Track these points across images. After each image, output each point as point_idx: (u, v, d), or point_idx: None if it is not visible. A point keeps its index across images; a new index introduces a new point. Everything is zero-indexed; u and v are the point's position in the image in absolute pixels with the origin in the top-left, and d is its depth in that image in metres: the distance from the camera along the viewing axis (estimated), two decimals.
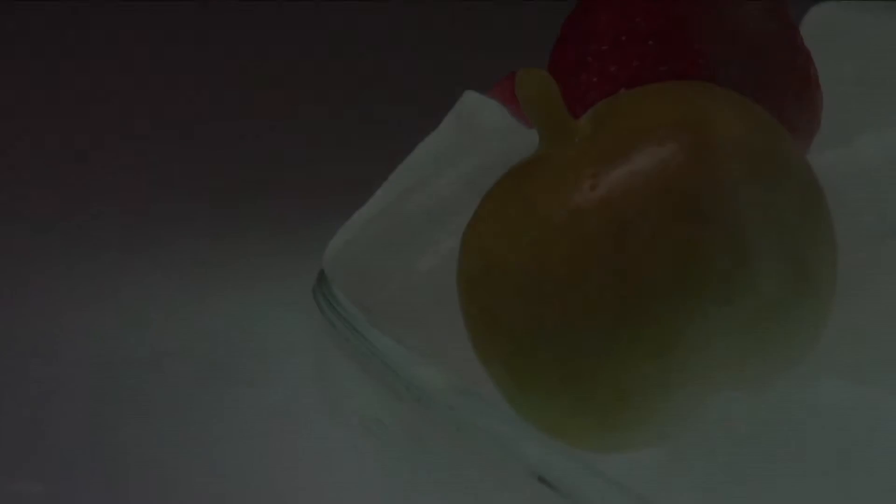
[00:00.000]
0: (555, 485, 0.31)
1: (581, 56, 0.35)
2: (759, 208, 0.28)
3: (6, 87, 0.61)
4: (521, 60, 0.33)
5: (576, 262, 0.28)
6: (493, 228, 0.29)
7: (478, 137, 0.38)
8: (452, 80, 0.41)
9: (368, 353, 0.37)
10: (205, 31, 0.67)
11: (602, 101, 0.31)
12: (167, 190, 0.51)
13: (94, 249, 0.46)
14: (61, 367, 0.39)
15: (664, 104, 0.29)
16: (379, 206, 0.38)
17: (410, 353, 0.36)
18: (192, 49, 0.65)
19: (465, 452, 0.34)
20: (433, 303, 0.34)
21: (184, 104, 0.59)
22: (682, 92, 0.30)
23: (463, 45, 0.65)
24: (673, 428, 0.29)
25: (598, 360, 0.28)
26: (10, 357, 0.40)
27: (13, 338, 0.41)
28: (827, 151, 0.34)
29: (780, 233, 0.28)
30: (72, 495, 0.33)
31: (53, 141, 0.55)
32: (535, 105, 0.30)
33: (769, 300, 0.28)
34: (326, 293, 0.40)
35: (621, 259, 0.27)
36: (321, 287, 0.40)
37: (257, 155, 0.54)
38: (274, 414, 0.37)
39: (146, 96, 0.60)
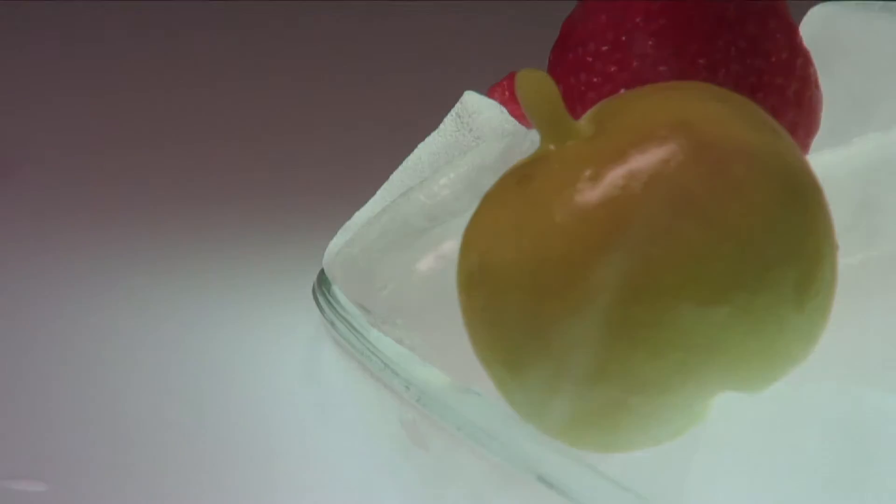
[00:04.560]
0: (555, 485, 0.31)
1: (581, 56, 0.35)
2: (758, 209, 0.28)
3: (5, 85, 0.61)
4: (521, 60, 0.33)
5: (576, 262, 0.28)
6: (493, 228, 0.29)
7: (478, 137, 0.38)
8: (452, 80, 0.41)
9: (368, 353, 0.37)
10: (205, 31, 0.67)
11: (602, 101, 0.31)
12: (167, 189, 0.51)
13: (93, 249, 0.46)
14: (61, 366, 0.39)
15: (664, 104, 0.29)
16: (379, 206, 0.38)
17: (410, 353, 0.36)
18: (192, 48, 0.65)
19: (465, 452, 0.34)
20: (433, 303, 0.34)
21: (183, 103, 0.59)
22: (682, 92, 0.30)
23: (463, 45, 0.65)
24: (673, 428, 0.29)
25: (599, 361, 0.28)
26: (9, 357, 0.40)
27: (13, 337, 0.41)
28: (827, 151, 0.34)
29: (780, 233, 0.28)
30: (72, 495, 0.33)
31: (52, 140, 0.55)
32: (535, 105, 0.30)
33: (769, 301, 0.28)
34: (326, 293, 0.40)
35: (621, 259, 0.27)
36: (321, 287, 0.40)
37: (257, 155, 0.54)
38: (273, 414, 0.37)
39: (145, 95, 0.60)
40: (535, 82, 0.30)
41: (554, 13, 0.38)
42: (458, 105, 0.39)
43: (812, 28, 0.41)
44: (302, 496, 0.33)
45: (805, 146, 0.36)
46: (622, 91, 0.34)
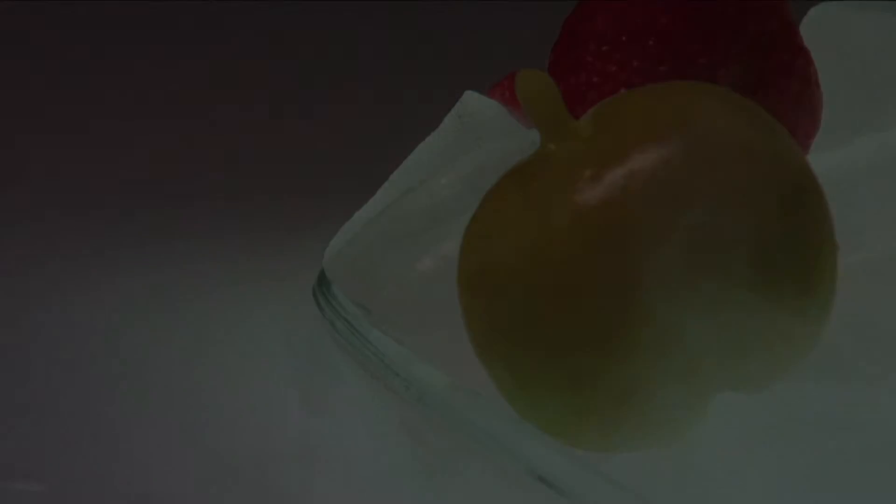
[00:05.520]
0: (555, 484, 0.31)
1: (581, 56, 0.35)
2: (758, 209, 0.28)
3: (5, 86, 0.61)
4: (521, 60, 0.33)
5: (576, 262, 0.28)
6: (493, 229, 0.29)
7: (478, 137, 0.38)
8: (452, 80, 0.41)
9: (368, 353, 0.37)
10: (205, 31, 0.67)
11: (602, 101, 0.31)
12: (166, 189, 0.51)
13: (93, 248, 0.46)
14: (60, 366, 0.39)
15: (664, 104, 0.29)
16: (379, 206, 0.38)
17: (410, 353, 0.36)
18: (191, 48, 0.65)
19: (465, 452, 0.34)
20: (433, 303, 0.34)
21: (183, 103, 0.59)
22: (682, 92, 0.30)
23: (463, 45, 0.65)
24: (673, 428, 0.29)
25: (599, 361, 0.28)
26: (9, 356, 0.40)
27: (12, 337, 0.41)
28: (827, 151, 0.34)
29: (781, 233, 0.28)
30: (72, 495, 0.33)
31: (53, 139, 0.55)
32: (535, 105, 0.30)
33: (769, 301, 0.28)
34: (326, 293, 0.40)
35: (621, 259, 0.27)
36: (321, 287, 0.40)
37: (257, 154, 0.54)
38: (272, 414, 0.37)
39: (145, 95, 0.60)
40: (535, 82, 0.30)
41: (554, 13, 0.38)
42: (458, 105, 0.39)
43: (812, 28, 0.41)
44: (302, 496, 0.33)
45: (805, 146, 0.36)
46: (622, 91, 0.34)
